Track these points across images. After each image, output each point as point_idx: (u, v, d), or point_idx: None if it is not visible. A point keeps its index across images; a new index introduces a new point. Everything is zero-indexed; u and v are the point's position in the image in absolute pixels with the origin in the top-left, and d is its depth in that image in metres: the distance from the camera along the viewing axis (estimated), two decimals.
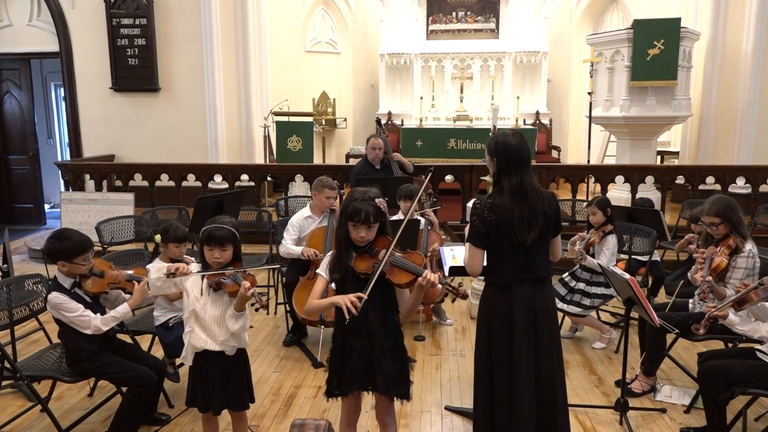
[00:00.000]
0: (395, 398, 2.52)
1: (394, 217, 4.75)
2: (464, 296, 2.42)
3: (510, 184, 2.57)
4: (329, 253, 2.53)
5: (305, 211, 4.54)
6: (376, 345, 2.45)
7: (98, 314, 3.00)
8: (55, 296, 2.92)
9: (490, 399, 2.66)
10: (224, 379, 2.71)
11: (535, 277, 2.60)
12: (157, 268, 2.80)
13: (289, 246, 4.38)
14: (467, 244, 2.65)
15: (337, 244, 2.48)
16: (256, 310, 2.59)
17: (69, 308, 2.91)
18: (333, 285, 2.51)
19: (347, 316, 2.25)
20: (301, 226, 4.45)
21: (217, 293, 2.67)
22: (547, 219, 2.59)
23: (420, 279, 2.34)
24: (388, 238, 2.50)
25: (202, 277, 2.67)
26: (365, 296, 2.29)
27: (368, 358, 2.45)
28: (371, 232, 2.44)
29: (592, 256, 4.31)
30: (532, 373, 2.59)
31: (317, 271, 2.53)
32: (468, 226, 2.66)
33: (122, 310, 3.05)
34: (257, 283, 2.71)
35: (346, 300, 2.27)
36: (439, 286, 2.43)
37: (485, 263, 2.68)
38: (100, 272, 3.04)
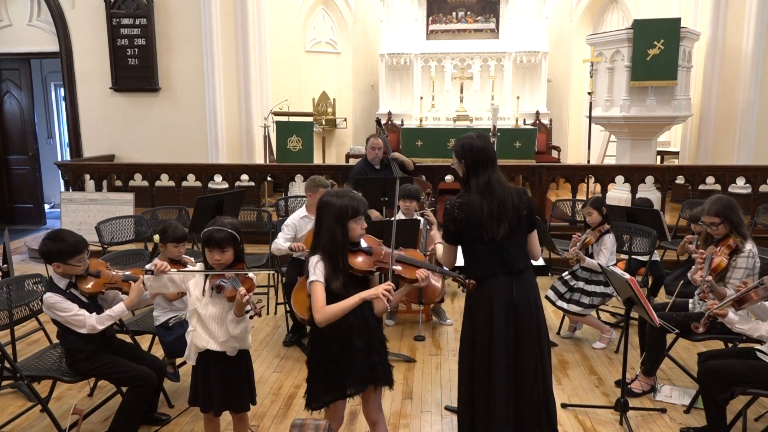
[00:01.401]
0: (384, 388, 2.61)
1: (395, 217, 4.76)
2: (471, 286, 2.51)
3: (477, 183, 2.67)
4: (314, 258, 2.44)
5: (301, 212, 4.52)
6: (375, 341, 2.53)
7: (93, 314, 2.99)
8: (49, 296, 2.92)
9: (470, 392, 2.71)
10: (226, 380, 2.71)
11: (511, 271, 2.65)
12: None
13: (279, 243, 4.36)
14: (442, 241, 2.80)
15: (333, 251, 2.42)
16: (251, 317, 2.59)
17: (63, 308, 2.91)
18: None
19: (389, 307, 2.32)
20: (297, 226, 4.44)
21: (219, 295, 2.67)
22: (518, 212, 2.65)
23: (420, 273, 2.46)
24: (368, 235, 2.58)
25: (205, 278, 2.67)
26: (393, 284, 2.35)
27: (369, 354, 2.50)
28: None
29: (591, 256, 4.32)
30: (511, 367, 2.64)
31: (314, 278, 2.40)
32: (443, 225, 2.77)
33: (118, 309, 3.03)
34: (258, 284, 2.71)
35: (380, 290, 2.30)
36: (438, 285, 2.48)
37: (459, 260, 2.80)
38: (96, 272, 3.03)
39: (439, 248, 2.92)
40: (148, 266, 2.73)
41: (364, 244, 2.52)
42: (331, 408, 2.54)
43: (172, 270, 2.71)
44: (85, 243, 3.02)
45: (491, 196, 2.63)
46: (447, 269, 2.60)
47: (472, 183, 2.69)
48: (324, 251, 2.44)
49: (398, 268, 2.49)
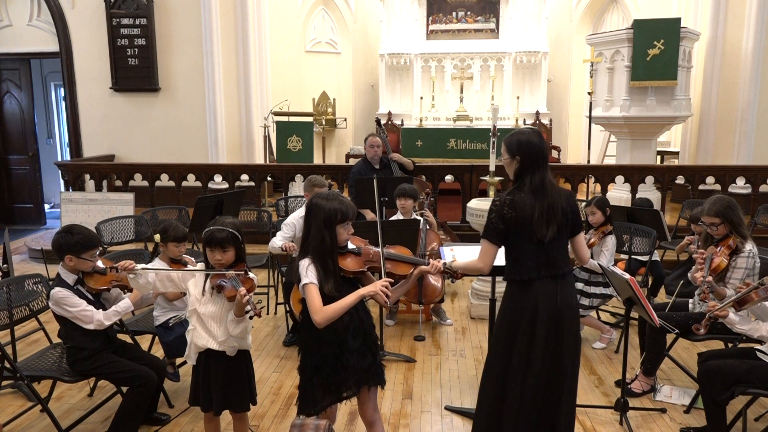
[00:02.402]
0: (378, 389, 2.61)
1: (393, 217, 4.77)
2: (457, 276, 2.57)
3: (532, 182, 2.58)
4: (304, 262, 2.42)
5: (301, 211, 4.51)
6: (370, 342, 2.53)
7: (100, 309, 3.01)
8: (58, 290, 2.93)
9: (501, 395, 2.65)
10: (225, 380, 2.71)
11: (556, 274, 2.60)
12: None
13: (275, 241, 4.35)
14: (482, 240, 2.65)
15: (322, 254, 2.41)
16: (250, 317, 2.58)
17: (72, 303, 2.92)
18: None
19: (387, 302, 2.30)
20: (297, 226, 4.44)
21: (219, 294, 2.67)
22: (565, 216, 2.60)
23: (427, 268, 2.50)
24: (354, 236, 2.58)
25: (206, 277, 2.68)
26: (391, 280, 2.35)
27: (364, 355, 2.49)
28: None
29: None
30: (546, 371, 2.58)
31: (306, 281, 2.38)
32: (485, 222, 2.66)
33: (124, 304, 3.06)
34: (258, 284, 2.71)
35: (378, 286, 2.29)
36: (438, 284, 2.47)
37: (493, 261, 2.70)
38: (103, 270, 3.04)
39: (464, 254, 2.82)
40: (115, 264, 2.81)
41: (351, 245, 2.51)
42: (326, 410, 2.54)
43: (137, 267, 2.77)
44: (98, 239, 3.09)
45: (543, 196, 2.56)
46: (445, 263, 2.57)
47: (525, 181, 2.59)
48: (314, 255, 2.42)
49: (388, 265, 2.48)
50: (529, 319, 2.59)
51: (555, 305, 2.58)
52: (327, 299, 2.37)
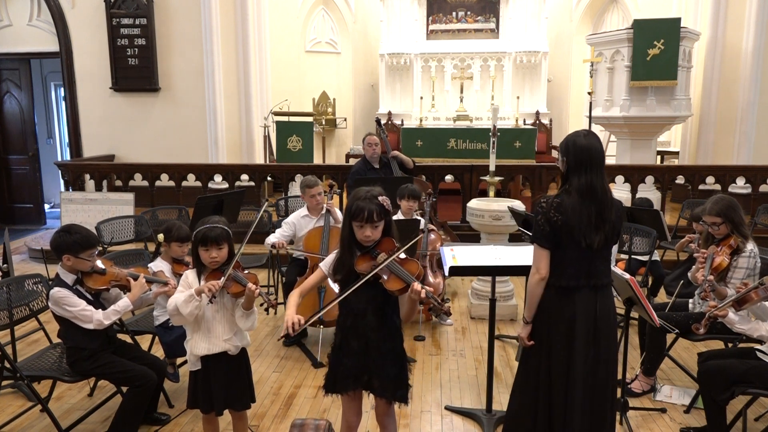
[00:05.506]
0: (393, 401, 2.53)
1: (393, 218, 4.76)
2: (447, 313, 2.37)
3: (578, 185, 2.50)
4: (336, 251, 2.52)
5: (303, 211, 4.55)
6: (372, 347, 2.45)
7: (99, 309, 3.00)
8: (57, 290, 2.92)
9: (546, 404, 2.58)
10: (227, 380, 2.71)
11: (596, 284, 2.54)
12: (185, 300, 2.61)
13: (269, 238, 4.36)
14: (533, 245, 2.58)
15: (341, 243, 2.48)
16: (266, 309, 2.59)
17: (71, 302, 2.91)
18: (334, 285, 2.52)
19: (283, 334, 2.33)
20: (297, 225, 4.45)
21: (219, 293, 2.66)
22: (614, 225, 2.54)
23: (414, 287, 2.28)
24: (392, 240, 2.45)
25: (199, 279, 2.68)
26: (305, 325, 2.32)
27: (363, 359, 2.45)
28: (376, 231, 2.41)
29: None
30: (589, 382, 2.53)
31: (320, 264, 2.53)
32: (533, 225, 2.59)
33: (123, 304, 3.05)
34: (259, 281, 2.71)
35: (288, 320, 2.31)
36: (439, 284, 2.43)
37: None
38: (102, 270, 3.04)
39: (465, 254, 2.71)
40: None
41: (378, 249, 2.44)
42: (344, 399, 2.57)
43: (232, 271, 2.64)
44: (96, 238, 3.09)
45: (592, 202, 2.48)
46: (431, 293, 2.29)
47: (573, 184, 2.52)
48: (340, 245, 2.50)
49: (384, 277, 2.37)
50: (566, 328, 2.52)
51: (593, 315, 2.52)
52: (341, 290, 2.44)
